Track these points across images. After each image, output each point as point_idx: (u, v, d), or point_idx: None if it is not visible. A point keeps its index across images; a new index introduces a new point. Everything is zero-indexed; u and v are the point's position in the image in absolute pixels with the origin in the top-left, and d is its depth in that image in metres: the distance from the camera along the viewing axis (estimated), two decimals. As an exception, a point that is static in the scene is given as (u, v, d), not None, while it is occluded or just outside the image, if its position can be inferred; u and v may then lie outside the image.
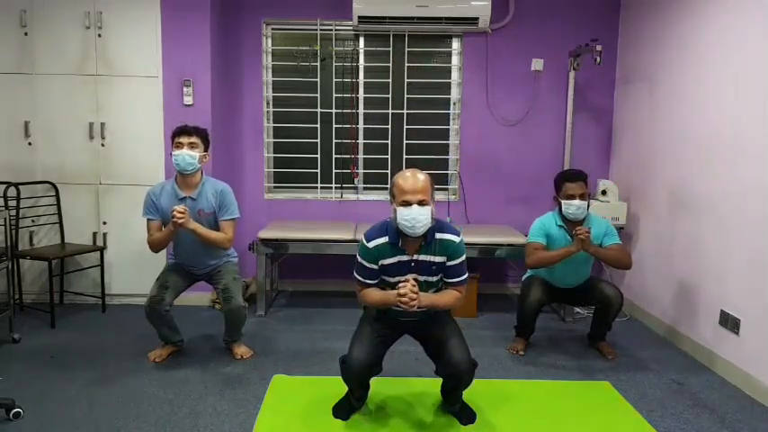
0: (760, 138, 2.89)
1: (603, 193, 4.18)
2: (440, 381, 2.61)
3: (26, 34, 3.95)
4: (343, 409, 2.59)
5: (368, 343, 2.45)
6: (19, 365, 3.08)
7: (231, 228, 3.09)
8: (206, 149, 3.07)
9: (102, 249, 4.01)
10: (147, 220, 3.07)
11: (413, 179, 2.33)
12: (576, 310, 4.06)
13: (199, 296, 4.16)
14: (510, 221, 4.54)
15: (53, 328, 3.66)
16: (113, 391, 2.80)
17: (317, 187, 4.72)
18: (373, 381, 2.69)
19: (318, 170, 4.70)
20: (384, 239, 2.41)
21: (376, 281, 2.47)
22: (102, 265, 4.00)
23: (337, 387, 2.68)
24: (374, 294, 2.45)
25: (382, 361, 2.52)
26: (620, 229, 4.26)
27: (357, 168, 4.68)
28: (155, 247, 3.07)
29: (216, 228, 3.07)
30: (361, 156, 4.67)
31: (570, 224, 3.26)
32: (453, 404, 2.61)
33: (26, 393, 2.72)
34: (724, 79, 3.22)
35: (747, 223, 2.98)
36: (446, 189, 4.68)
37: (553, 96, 4.55)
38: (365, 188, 4.71)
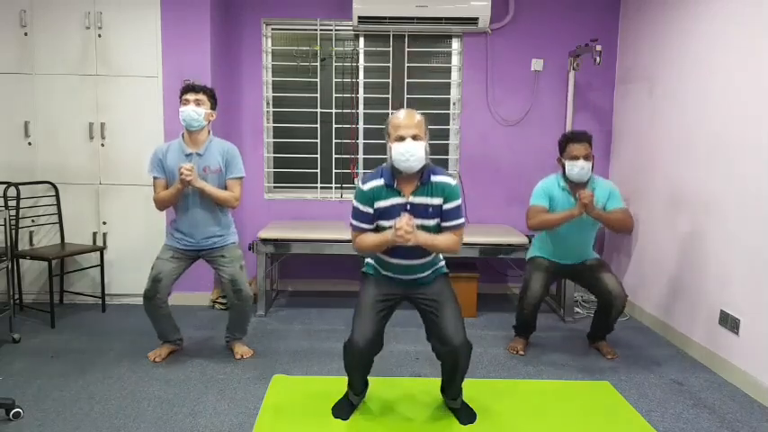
0: (760, 138, 2.90)
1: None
2: (439, 381, 2.62)
3: (26, 34, 3.95)
4: (342, 409, 2.59)
5: (369, 319, 2.44)
6: (19, 365, 3.08)
7: (238, 186, 3.12)
8: (213, 108, 3.10)
9: (101, 249, 4.01)
10: (153, 178, 3.08)
11: (406, 115, 2.39)
12: (576, 309, 4.06)
13: (199, 296, 4.17)
14: (510, 221, 4.55)
15: (53, 328, 3.66)
16: (113, 391, 2.80)
17: (316, 187, 4.72)
18: (373, 380, 2.70)
19: (318, 170, 4.70)
20: (380, 181, 2.43)
21: (372, 226, 2.46)
22: (101, 265, 4.01)
23: (337, 387, 2.69)
24: (370, 237, 2.44)
25: (383, 339, 2.50)
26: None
27: (357, 168, 4.68)
28: (160, 205, 3.09)
29: (222, 187, 3.08)
30: (361, 156, 4.67)
31: (574, 186, 3.23)
32: (453, 396, 2.59)
33: (26, 393, 2.73)
34: (724, 79, 3.22)
35: (747, 224, 2.98)
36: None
37: (553, 96, 4.55)
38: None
